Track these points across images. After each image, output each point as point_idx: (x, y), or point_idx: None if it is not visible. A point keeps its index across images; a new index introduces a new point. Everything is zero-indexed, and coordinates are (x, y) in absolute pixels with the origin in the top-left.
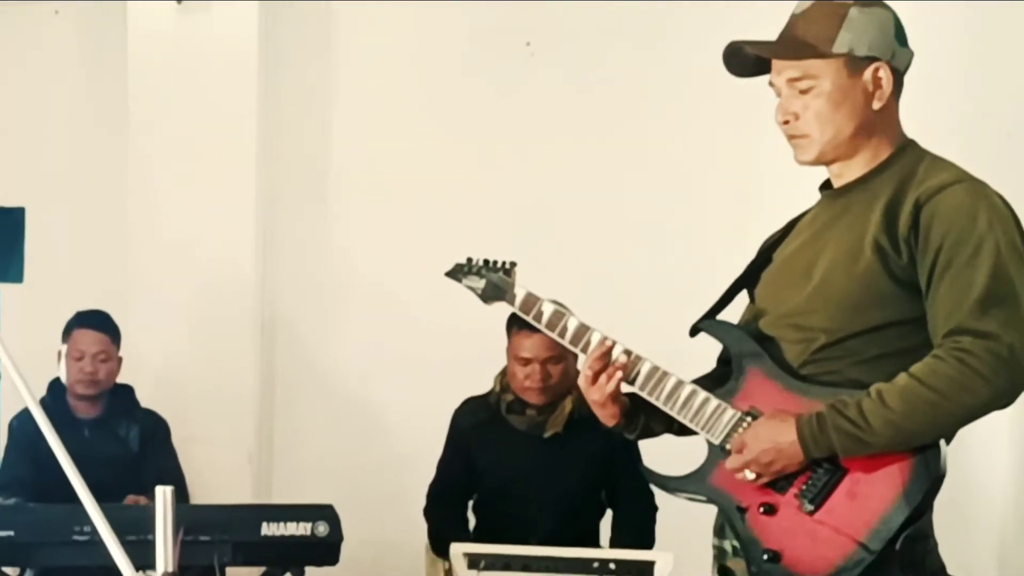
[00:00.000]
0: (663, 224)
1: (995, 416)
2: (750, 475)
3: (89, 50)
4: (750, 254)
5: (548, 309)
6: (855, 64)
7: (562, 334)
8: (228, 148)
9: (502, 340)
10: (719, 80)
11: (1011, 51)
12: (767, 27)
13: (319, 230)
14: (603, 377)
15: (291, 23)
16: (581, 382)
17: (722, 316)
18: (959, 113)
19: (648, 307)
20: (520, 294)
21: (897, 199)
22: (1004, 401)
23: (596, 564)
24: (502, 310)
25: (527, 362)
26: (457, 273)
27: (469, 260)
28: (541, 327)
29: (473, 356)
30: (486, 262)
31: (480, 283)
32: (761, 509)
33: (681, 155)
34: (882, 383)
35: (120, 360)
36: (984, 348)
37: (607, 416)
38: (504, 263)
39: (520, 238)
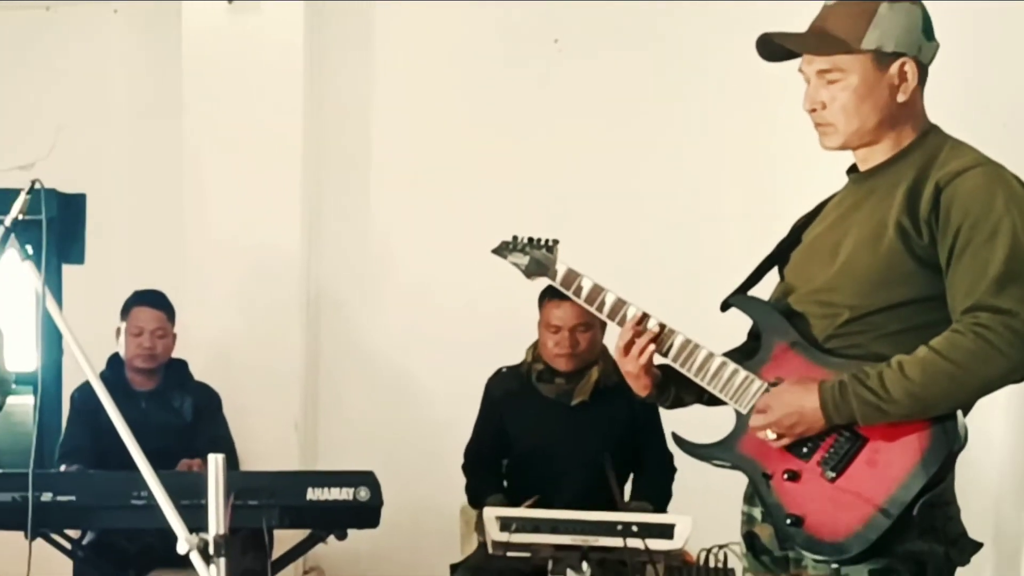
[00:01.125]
0: (685, 207)
1: (992, 397)
2: (771, 435)
3: (146, 47)
4: (768, 235)
5: (587, 284)
6: (882, 60)
7: (600, 307)
8: (276, 139)
9: (530, 318)
10: (737, 74)
11: (1008, 47)
12: (786, 25)
13: (360, 216)
14: (635, 348)
15: (334, 22)
16: (616, 353)
17: (753, 292)
18: (959, 105)
19: (670, 285)
20: (561, 270)
21: (919, 182)
22: (1019, 375)
23: (620, 527)
24: (530, 292)
25: (557, 330)
26: (503, 250)
27: (514, 238)
28: (580, 301)
29: (502, 333)
30: (530, 240)
31: (524, 260)
32: (785, 476)
33: (701, 143)
34: (903, 355)
35: (175, 336)
36: (1002, 323)
37: (640, 387)
38: (547, 241)
39: (550, 224)
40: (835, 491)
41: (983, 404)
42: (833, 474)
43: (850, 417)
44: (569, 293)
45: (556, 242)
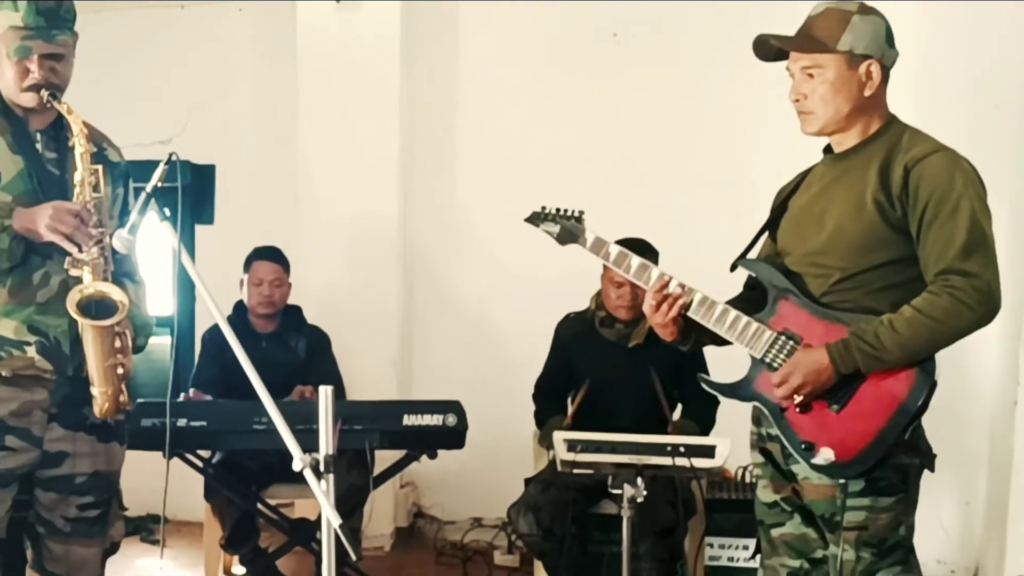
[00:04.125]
0: (723, 173)
1: (986, 334)
2: (798, 398)
3: (265, 39)
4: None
5: (614, 251)
6: (853, 60)
7: (627, 270)
8: (375, 119)
9: (591, 272)
10: (769, 65)
11: (1002, 40)
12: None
13: (447, 185)
14: (664, 307)
15: (426, 18)
16: (646, 310)
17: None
18: (958, 90)
19: (709, 237)
20: (590, 238)
21: (888, 163)
22: (984, 323)
23: (669, 448)
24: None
25: (620, 285)
26: (535, 219)
27: (543, 208)
28: (609, 264)
29: (569, 283)
30: (558, 210)
31: (555, 228)
32: (797, 409)
33: (734, 121)
34: (891, 314)
35: (290, 285)
36: (968, 284)
37: (666, 334)
38: (574, 212)
39: (606, 190)
40: (840, 421)
41: (980, 338)
42: (837, 407)
43: (854, 367)
44: (599, 257)
45: (583, 212)
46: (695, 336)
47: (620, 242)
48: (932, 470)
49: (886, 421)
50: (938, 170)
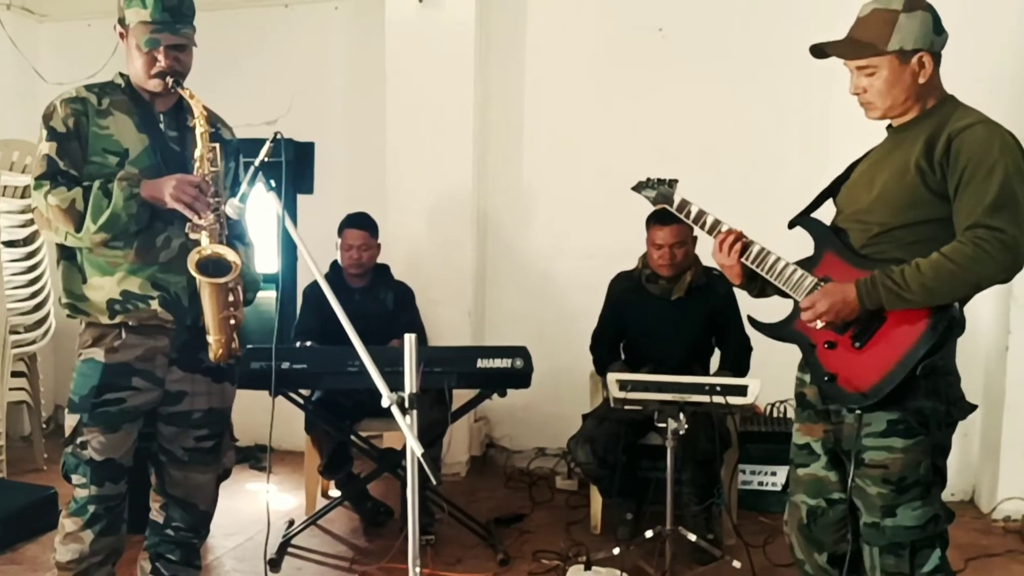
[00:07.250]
0: (756, 158)
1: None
2: (820, 324)
3: (358, 33)
4: (820, 174)
5: (695, 209)
6: (904, 56)
7: (703, 226)
8: (453, 101)
9: (638, 235)
10: (802, 59)
11: (998, 35)
12: (845, 19)
13: (515, 158)
14: (726, 246)
15: (497, 14)
16: (713, 252)
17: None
18: (955, 79)
19: (742, 209)
20: (678, 199)
21: (935, 134)
22: (1004, 276)
23: (707, 387)
24: (639, 217)
25: (660, 247)
26: (639, 187)
27: (648, 178)
28: (689, 221)
29: (618, 244)
30: (659, 179)
31: (653, 193)
32: (825, 345)
33: (771, 107)
34: (920, 258)
35: (379, 246)
36: (993, 237)
37: (733, 275)
38: (669, 180)
39: (652, 165)
40: (860, 356)
41: (979, 293)
42: (859, 344)
43: (878, 303)
44: (681, 216)
45: (676, 181)
46: (760, 283)
47: (657, 212)
48: (960, 419)
49: (897, 360)
50: (979, 138)
